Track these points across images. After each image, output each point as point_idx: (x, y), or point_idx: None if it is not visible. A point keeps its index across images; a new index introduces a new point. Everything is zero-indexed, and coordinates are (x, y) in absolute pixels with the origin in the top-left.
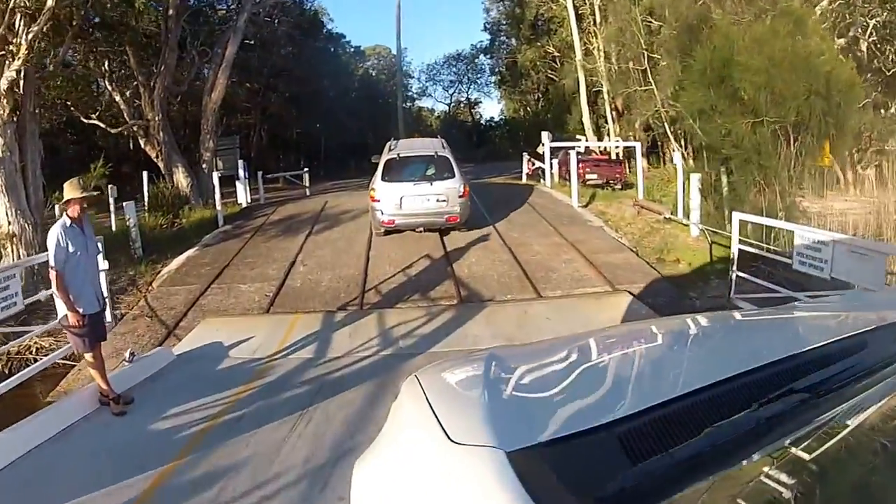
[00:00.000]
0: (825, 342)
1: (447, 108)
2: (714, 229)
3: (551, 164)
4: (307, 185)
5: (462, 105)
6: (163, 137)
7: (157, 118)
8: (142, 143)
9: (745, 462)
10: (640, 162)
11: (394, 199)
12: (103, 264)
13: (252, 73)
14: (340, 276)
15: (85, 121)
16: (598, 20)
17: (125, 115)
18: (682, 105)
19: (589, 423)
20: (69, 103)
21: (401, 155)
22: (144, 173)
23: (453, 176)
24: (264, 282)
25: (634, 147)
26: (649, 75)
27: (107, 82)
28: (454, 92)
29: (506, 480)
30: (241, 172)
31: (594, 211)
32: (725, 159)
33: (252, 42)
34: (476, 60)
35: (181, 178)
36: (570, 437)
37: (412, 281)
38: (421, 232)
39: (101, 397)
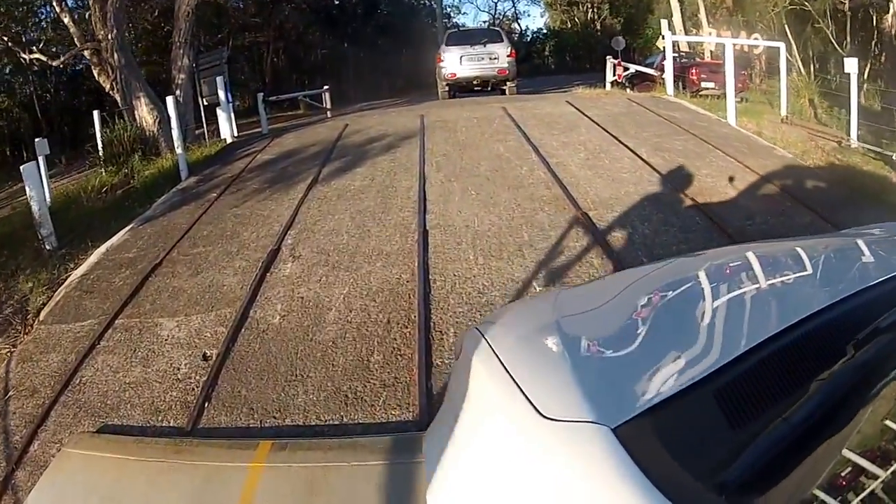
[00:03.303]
0: None
1: (489, 20)
2: None
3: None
4: (328, 106)
5: (506, 17)
6: (118, 60)
7: (110, 36)
8: (95, 72)
9: (855, 419)
10: (784, 68)
11: (455, 58)
12: None
13: None
14: (369, 288)
15: (27, 56)
16: None
17: (76, 41)
18: None
19: (683, 381)
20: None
21: (460, 28)
22: (95, 113)
23: (503, 41)
24: (209, 310)
25: (777, 48)
26: None
27: (54, 3)
28: (498, 1)
29: (618, 463)
30: (222, 95)
31: (751, 131)
32: None
33: None
34: None
35: (145, 114)
36: (668, 400)
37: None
38: (480, 96)
39: None
